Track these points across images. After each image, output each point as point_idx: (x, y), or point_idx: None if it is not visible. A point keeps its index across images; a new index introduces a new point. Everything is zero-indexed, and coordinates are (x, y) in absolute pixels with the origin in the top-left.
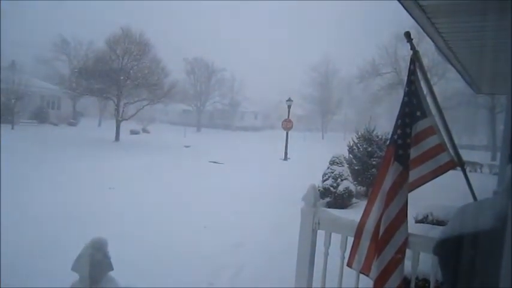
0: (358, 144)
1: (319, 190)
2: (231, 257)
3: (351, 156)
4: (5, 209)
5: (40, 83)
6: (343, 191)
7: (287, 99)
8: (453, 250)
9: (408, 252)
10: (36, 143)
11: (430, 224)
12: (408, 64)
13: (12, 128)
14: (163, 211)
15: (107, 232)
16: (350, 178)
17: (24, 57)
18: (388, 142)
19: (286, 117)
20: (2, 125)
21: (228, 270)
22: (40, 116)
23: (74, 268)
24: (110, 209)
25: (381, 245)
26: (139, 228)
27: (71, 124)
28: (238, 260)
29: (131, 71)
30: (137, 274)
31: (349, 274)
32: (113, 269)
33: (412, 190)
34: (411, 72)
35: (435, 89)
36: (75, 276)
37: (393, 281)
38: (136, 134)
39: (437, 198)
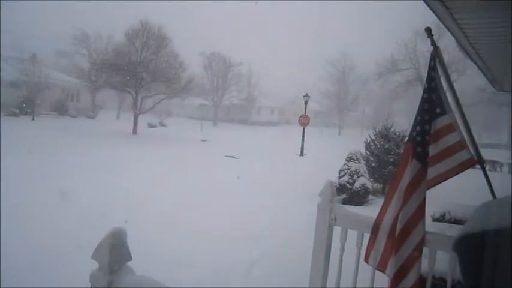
0: (375, 141)
1: (335, 186)
2: (245, 252)
3: (367, 152)
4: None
5: (60, 76)
6: (360, 187)
7: (304, 94)
8: (473, 247)
9: (425, 250)
10: (55, 134)
11: (448, 223)
12: (428, 60)
13: (33, 119)
14: (179, 202)
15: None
16: (366, 175)
17: (45, 50)
18: (406, 139)
19: (303, 112)
20: (23, 116)
21: (241, 265)
22: (60, 108)
23: (94, 256)
24: (127, 197)
25: (398, 243)
26: (156, 216)
27: (89, 116)
28: (252, 255)
29: (149, 65)
30: (153, 263)
31: (364, 270)
32: (131, 259)
33: (430, 188)
34: (431, 69)
35: (455, 85)
36: (94, 264)
37: (409, 279)
38: (153, 127)
39: (455, 196)
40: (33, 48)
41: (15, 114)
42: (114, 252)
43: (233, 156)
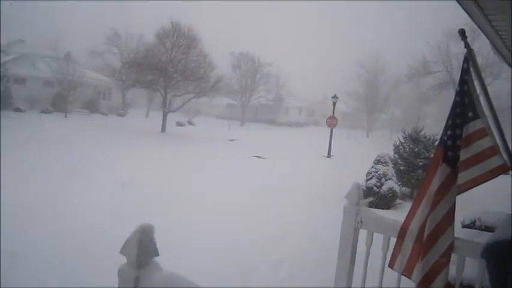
0: (405, 144)
1: (362, 189)
2: (269, 252)
3: (396, 156)
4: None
5: (92, 74)
6: (387, 191)
7: (332, 95)
8: (503, 254)
9: (453, 256)
10: (87, 131)
11: (478, 229)
12: (461, 62)
13: (65, 116)
14: (208, 200)
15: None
16: (394, 178)
17: (78, 49)
18: (436, 143)
19: (331, 113)
20: (56, 113)
21: (265, 265)
22: (91, 106)
23: (122, 251)
24: (156, 195)
25: (425, 248)
26: (183, 213)
27: (119, 114)
28: (277, 255)
29: (179, 64)
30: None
31: (390, 275)
32: (158, 255)
33: (460, 193)
34: (464, 71)
35: (489, 89)
36: (123, 259)
37: (436, 285)
38: (182, 126)
39: (486, 203)
40: (67, 47)
41: (49, 111)
42: (142, 248)
43: (260, 156)
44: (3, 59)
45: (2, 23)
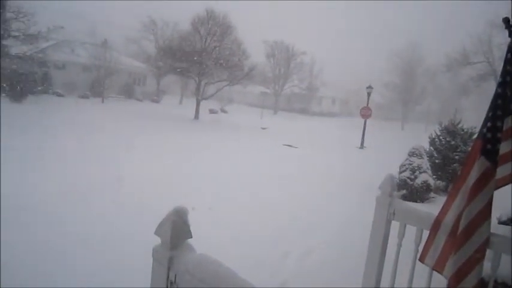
0: (441, 137)
1: (395, 181)
2: (300, 241)
3: (431, 148)
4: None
5: (128, 61)
6: (421, 184)
7: (367, 86)
8: None
9: (489, 253)
10: (123, 116)
11: None
12: (503, 54)
13: (102, 102)
14: (238, 188)
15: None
16: (429, 171)
17: (115, 36)
18: (474, 136)
19: (365, 104)
20: (93, 98)
21: (296, 253)
22: (127, 92)
23: (157, 232)
24: (191, 179)
25: (459, 243)
26: (217, 200)
27: (154, 101)
28: (308, 244)
29: (213, 52)
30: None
31: (421, 269)
32: (191, 237)
33: (499, 188)
34: (507, 62)
35: None
36: (157, 240)
37: (469, 282)
38: (214, 113)
39: None
40: (104, 34)
41: (86, 96)
42: (176, 229)
43: (291, 146)
44: (44, 45)
45: (43, 10)
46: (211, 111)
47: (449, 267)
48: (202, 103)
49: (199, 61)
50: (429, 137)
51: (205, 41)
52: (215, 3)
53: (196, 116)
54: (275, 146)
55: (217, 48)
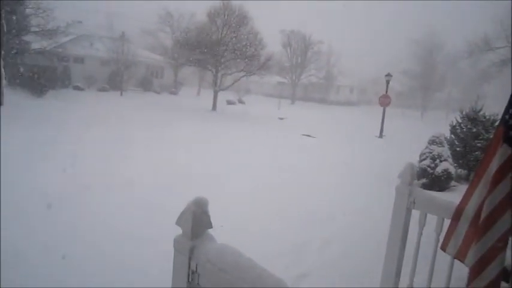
0: (462, 124)
1: (415, 169)
2: (320, 230)
3: (452, 136)
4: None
5: (146, 53)
6: (442, 172)
7: (386, 73)
8: None
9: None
10: (143, 109)
11: None
12: None
13: (121, 94)
14: (257, 177)
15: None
16: (450, 160)
17: (132, 29)
18: (496, 123)
19: (384, 92)
20: (112, 91)
21: (316, 242)
22: (144, 84)
23: (178, 223)
24: (210, 171)
25: (481, 231)
26: (236, 190)
27: (172, 93)
28: (327, 234)
29: (230, 43)
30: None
31: (442, 258)
32: (211, 227)
33: None
34: None
35: None
36: (178, 230)
37: (491, 271)
38: (232, 104)
39: None
40: (122, 28)
41: (105, 89)
42: (196, 219)
43: (309, 135)
44: (63, 40)
45: (61, 5)
46: (229, 102)
47: (471, 256)
48: (220, 94)
49: (216, 52)
50: (450, 125)
51: (222, 32)
52: None
53: (214, 107)
54: (293, 136)
55: (233, 39)
